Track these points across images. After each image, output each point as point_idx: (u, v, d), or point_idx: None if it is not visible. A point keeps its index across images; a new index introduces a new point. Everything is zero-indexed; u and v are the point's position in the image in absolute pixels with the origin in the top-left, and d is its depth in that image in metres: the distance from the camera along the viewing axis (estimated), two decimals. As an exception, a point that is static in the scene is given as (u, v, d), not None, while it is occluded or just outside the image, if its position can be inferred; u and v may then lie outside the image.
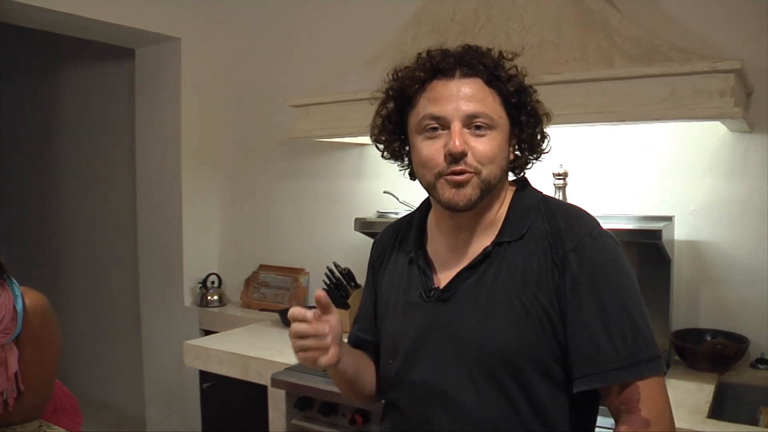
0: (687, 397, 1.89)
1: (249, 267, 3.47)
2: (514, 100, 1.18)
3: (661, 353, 1.11)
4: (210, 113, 3.53)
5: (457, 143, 1.12)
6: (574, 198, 2.27)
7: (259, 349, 2.54)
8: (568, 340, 1.12)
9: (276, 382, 2.28)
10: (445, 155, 1.14)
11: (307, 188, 3.29)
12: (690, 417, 1.72)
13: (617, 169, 2.42)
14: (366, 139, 2.85)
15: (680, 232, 2.29)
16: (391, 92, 1.24)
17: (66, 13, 2.90)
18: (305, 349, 1.17)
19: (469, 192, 1.14)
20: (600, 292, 1.10)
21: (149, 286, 3.66)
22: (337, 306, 2.88)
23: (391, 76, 1.25)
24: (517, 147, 1.23)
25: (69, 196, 4.62)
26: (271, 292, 3.35)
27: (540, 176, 1.35)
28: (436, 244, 1.28)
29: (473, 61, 1.16)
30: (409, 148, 1.24)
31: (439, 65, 1.17)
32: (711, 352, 2.10)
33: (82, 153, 4.49)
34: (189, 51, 3.41)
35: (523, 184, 1.28)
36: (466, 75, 1.16)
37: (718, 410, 1.92)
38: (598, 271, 1.11)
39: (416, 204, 1.38)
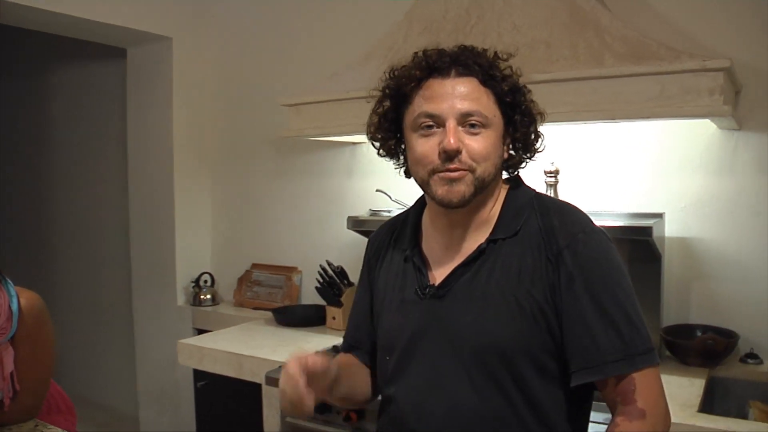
0: (678, 391, 1.91)
1: (242, 266, 3.47)
2: (508, 99, 1.20)
3: (654, 345, 1.13)
4: (202, 112, 3.53)
5: (452, 141, 1.13)
6: (565, 196, 2.28)
7: (253, 348, 2.55)
8: (564, 335, 1.13)
9: (270, 380, 2.28)
10: (439, 152, 1.15)
11: (299, 187, 3.29)
12: (681, 411, 1.74)
13: (608, 166, 2.44)
14: (358, 138, 2.87)
15: (671, 228, 2.32)
16: (387, 90, 1.25)
17: (57, 13, 2.89)
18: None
19: (463, 189, 1.16)
20: (594, 287, 1.12)
21: (142, 285, 3.66)
22: (330, 304, 2.92)
23: (387, 75, 1.26)
24: (511, 146, 1.25)
25: (61, 196, 4.61)
26: (264, 290, 3.35)
27: (531, 174, 1.36)
28: (431, 241, 1.30)
29: (469, 61, 1.18)
30: (405, 145, 1.26)
31: (435, 64, 1.18)
32: (701, 347, 2.12)
33: (75, 153, 4.47)
34: (180, 50, 3.41)
35: (516, 182, 1.29)
36: (461, 74, 1.17)
37: (708, 404, 1.94)
38: (592, 267, 1.13)
39: (409, 202, 1.39)
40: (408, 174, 1.29)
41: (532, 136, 1.25)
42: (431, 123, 1.17)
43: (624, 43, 2.03)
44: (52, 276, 4.66)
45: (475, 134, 1.16)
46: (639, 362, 1.10)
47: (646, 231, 2.05)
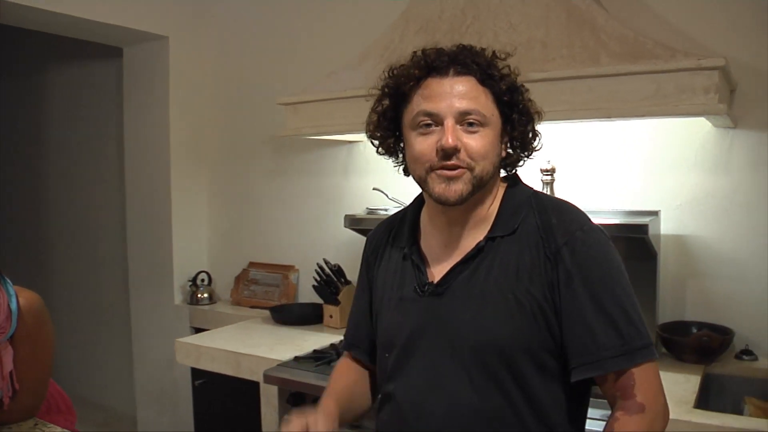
0: (674, 388, 1.92)
1: (239, 264, 3.48)
2: (506, 98, 1.20)
3: (652, 341, 1.15)
4: (198, 111, 3.53)
5: (450, 139, 1.14)
6: (561, 194, 2.29)
7: (251, 346, 2.55)
8: (564, 332, 1.14)
9: (268, 378, 2.29)
10: (437, 150, 1.16)
11: (296, 185, 3.30)
12: (677, 407, 1.75)
13: (604, 164, 2.46)
14: (355, 137, 2.87)
15: (666, 226, 2.33)
16: (386, 89, 1.26)
17: (54, 12, 2.89)
18: None
19: (461, 187, 1.16)
20: (593, 284, 1.13)
21: (139, 284, 3.66)
22: (327, 302, 2.92)
23: (386, 74, 1.27)
24: (509, 144, 1.26)
25: (58, 195, 4.60)
26: (261, 289, 3.36)
27: (528, 172, 1.37)
28: (429, 239, 1.30)
29: (467, 60, 1.19)
30: (404, 144, 1.26)
31: (434, 63, 1.19)
32: (697, 344, 2.14)
33: (71, 152, 4.47)
34: (177, 49, 3.41)
35: (514, 180, 1.30)
36: (459, 73, 1.18)
37: (704, 400, 1.96)
38: (591, 265, 1.14)
39: (406, 201, 1.40)
40: (406, 172, 1.29)
41: (530, 135, 1.26)
42: (430, 121, 1.17)
43: (620, 42, 2.04)
44: (49, 275, 4.65)
45: (473, 133, 1.16)
46: (638, 357, 1.11)
47: (642, 229, 2.07)
